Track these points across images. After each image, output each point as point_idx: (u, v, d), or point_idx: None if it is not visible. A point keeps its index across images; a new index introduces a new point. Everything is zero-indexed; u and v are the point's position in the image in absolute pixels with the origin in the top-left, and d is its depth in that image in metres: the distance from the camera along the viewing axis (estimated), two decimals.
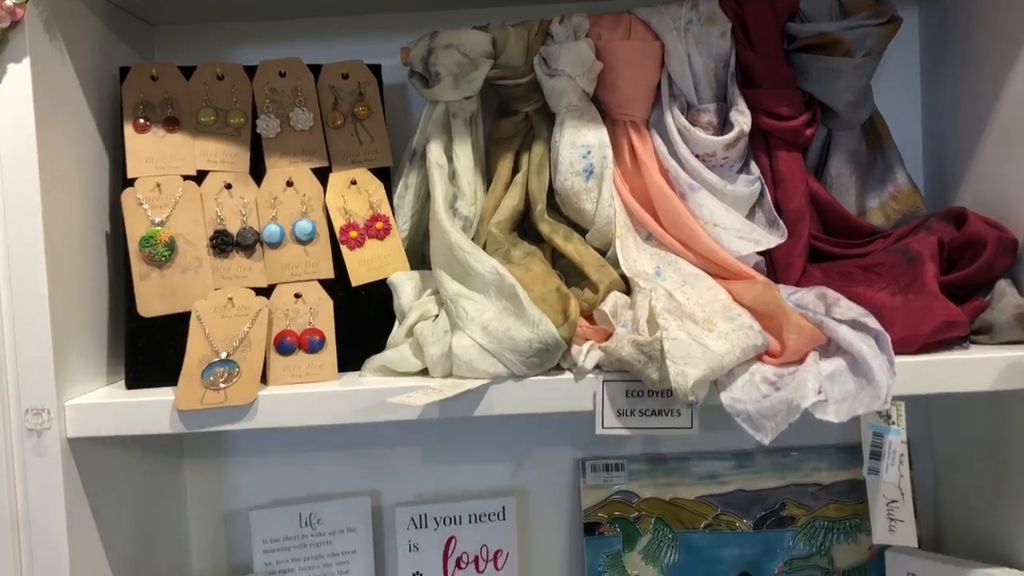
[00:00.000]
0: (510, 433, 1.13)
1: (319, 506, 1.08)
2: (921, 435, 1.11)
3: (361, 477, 1.13)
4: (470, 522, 1.06)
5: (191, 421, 0.84)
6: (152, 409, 0.84)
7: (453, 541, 1.06)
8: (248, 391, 0.84)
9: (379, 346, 0.91)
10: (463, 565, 1.06)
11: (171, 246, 0.91)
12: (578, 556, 1.12)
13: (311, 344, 0.89)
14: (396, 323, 0.92)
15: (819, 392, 0.78)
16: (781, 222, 0.94)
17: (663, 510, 1.10)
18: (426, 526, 1.05)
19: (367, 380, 0.88)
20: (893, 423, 0.82)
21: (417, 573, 1.06)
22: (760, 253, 0.94)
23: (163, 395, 0.85)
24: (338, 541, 1.08)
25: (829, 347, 0.85)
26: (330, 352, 0.90)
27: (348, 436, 1.13)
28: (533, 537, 1.13)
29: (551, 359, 0.84)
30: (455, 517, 1.06)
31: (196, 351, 0.87)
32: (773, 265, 0.96)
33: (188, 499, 1.13)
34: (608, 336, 0.85)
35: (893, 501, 0.84)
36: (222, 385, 0.84)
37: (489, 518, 1.06)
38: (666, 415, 0.83)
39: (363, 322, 0.93)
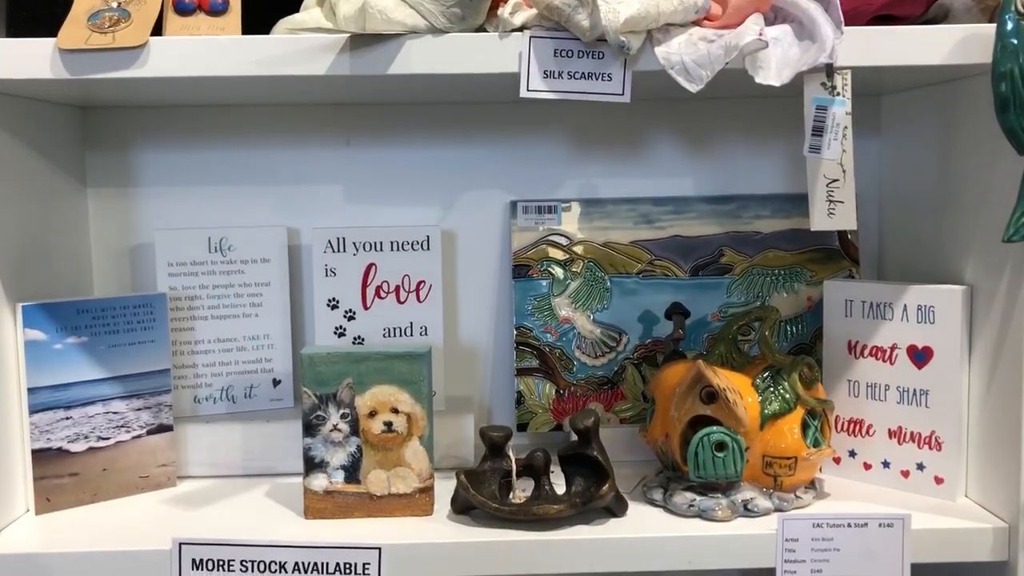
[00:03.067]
0: (439, 174, 1.07)
1: (231, 232, 1.01)
2: (869, 187, 1.06)
3: (278, 214, 1.06)
4: (392, 249, 1.00)
5: (75, 65, 0.76)
6: (31, 50, 0.76)
7: (373, 268, 1.00)
8: (138, 35, 0.76)
9: None
10: (383, 294, 1.00)
11: None
12: (506, 298, 1.07)
13: (212, 5, 0.82)
14: None
15: (760, 35, 0.72)
16: None
17: (596, 254, 1.05)
18: (344, 250, 0.99)
19: None
20: (838, 94, 0.77)
21: (333, 300, 0.99)
22: None
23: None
24: (251, 271, 1.02)
25: (776, 20, 0.79)
26: (234, 16, 0.82)
27: (264, 170, 1.06)
28: (459, 277, 1.07)
29: (474, 11, 0.77)
30: (376, 243, 0.99)
31: (84, 2, 0.79)
32: None
33: (91, 230, 1.05)
34: None
35: (834, 181, 0.79)
36: (109, 28, 0.76)
37: (412, 247, 1.00)
38: (596, 79, 0.77)
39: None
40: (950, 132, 0.92)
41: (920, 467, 0.90)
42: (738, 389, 0.86)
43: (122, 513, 0.89)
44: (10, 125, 0.87)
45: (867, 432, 0.93)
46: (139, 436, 0.94)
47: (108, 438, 0.92)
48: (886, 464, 0.92)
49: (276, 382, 1.03)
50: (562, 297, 1.05)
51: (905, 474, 0.91)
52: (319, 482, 0.86)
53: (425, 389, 0.86)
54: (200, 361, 1.01)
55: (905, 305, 0.90)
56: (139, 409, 0.94)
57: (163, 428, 0.95)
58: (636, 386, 1.05)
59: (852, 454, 0.94)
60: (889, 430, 0.91)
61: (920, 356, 0.89)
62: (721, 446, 0.85)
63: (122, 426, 0.93)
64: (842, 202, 0.79)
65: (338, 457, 0.86)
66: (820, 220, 0.80)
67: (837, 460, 0.95)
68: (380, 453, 0.86)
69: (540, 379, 1.04)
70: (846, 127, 0.77)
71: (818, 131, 0.78)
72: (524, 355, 1.04)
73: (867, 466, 0.93)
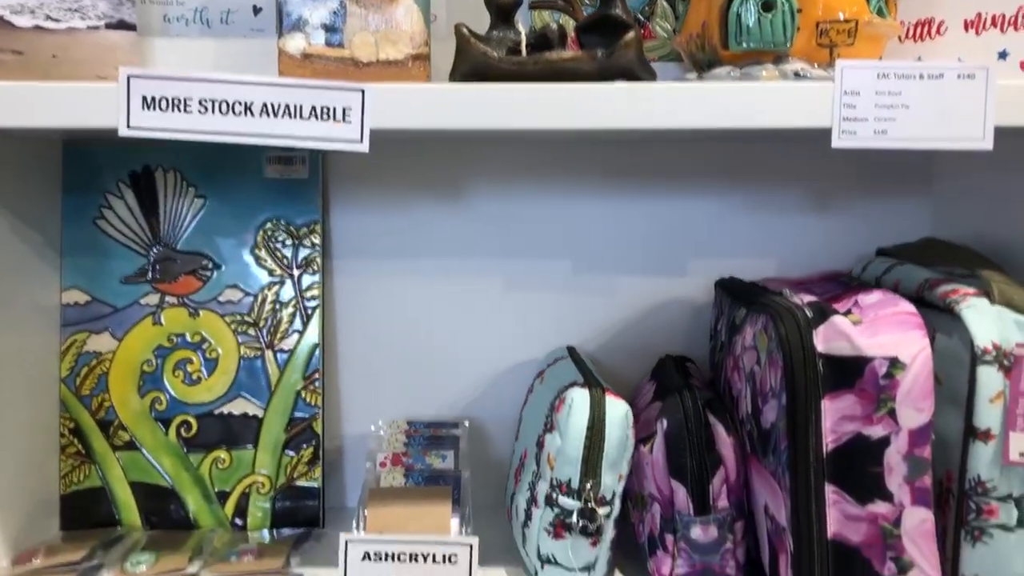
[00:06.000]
0: None
1: None
2: None
3: None
4: None
5: None
6: None
7: None
8: None
9: None
10: None
11: None
12: None
13: None
14: None
15: None
16: None
17: None
18: None
19: None
20: None
21: None
22: None
23: None
24: None
25: None
26: None
27: None
28: None
29: None
30: None
31: None
32: None
33: None
34: None
35: None
36: None
37: None
38: None
39: None
40: None
41: (1003, 55, 0.76)
42: None
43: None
44: None
45: (937, 32, 0.80)
46: (96, 28, 0.82)
47: (59, 20, 0.80)
48: None
49: (257, 9, 0.91)
50: None
51: None
52: (295, 43, 0.74)
53: None
54: None
55: None
56: None
57: (124, 25, 0.83)
58: (667, 21, 0.91)
59: None
60: (965, 21, 0.78)
61: None
62: (768, 5, 0.71)
63: (76, 10, 0.81)
64: None
65: (318, 15, 0.74)
66: None
67: None
68: (367, 11, 0.74)
69: (557, 15, 0.91)
70: None
71: None
72: None
73: None
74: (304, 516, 0.95)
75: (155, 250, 0.95)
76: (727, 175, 0.98)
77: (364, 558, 0.75)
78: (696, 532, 0.75)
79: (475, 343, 0.99)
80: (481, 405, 1.00)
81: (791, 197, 0.98)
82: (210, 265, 0.95)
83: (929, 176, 0.98)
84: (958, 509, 0.69)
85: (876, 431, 0.65)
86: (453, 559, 0.75)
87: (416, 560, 0.75)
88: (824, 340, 0.67)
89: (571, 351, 0.91)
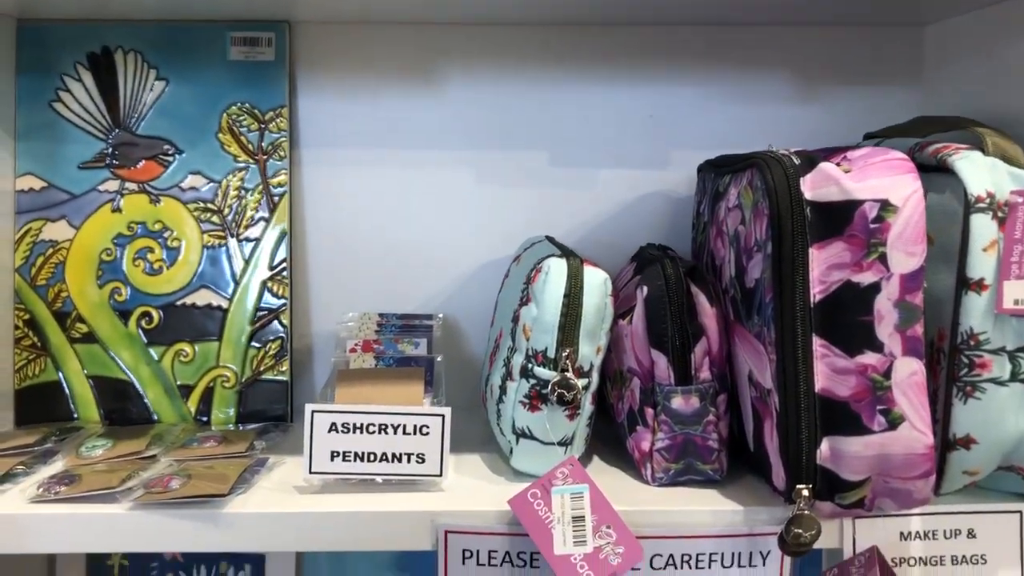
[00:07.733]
0: None
1: None
2: None
3: None
4: None
5: None
6: None
7: None
8: None
9: None
10: None
11: None
12: None
13: None
14: None
15: None
16: None
17: None
18: None
19: None
20: None
21: None
22: None
23: None
24: None
25: None
26: None
27: None
28: None
29: None
30: None
31: None
32: None
33: None
34: None
35: None
36: None
37: None
38: None
39: None
40: None
41: None
42: None
43: None
44: None
45: None
46: None
47: None
48: None
49: None
50: None
51: None
52: None
53: None
54: None
55: None
56: None
57: None
58: None
59: None
60: None
61: None
62: None
63: None
64: None
65: None
66: None
67: None
68: None
69: None
70: None
71: None
72: None
73: None
74: (272, 414, 0.91)
75: (114, 134, 0.91)
76: (709, 62, 0.95)
77: (331, 429, 0.71)
78: (677, 402, 0.72)
79: (448, 237, 0.96)
80: (455, 302, 0.96)
81: (775, 85, 0.95)
82: (172, 150, 0.91)
83: (919, 62, 0.95)
84: (949, 366, 0.66)
85: (866, 277, 0.62)
86: (425, 430, 0.72)
87: (386, 432, 0.72)
88: (812, 186, 0.64)
89: (549, 237, 0.87)
